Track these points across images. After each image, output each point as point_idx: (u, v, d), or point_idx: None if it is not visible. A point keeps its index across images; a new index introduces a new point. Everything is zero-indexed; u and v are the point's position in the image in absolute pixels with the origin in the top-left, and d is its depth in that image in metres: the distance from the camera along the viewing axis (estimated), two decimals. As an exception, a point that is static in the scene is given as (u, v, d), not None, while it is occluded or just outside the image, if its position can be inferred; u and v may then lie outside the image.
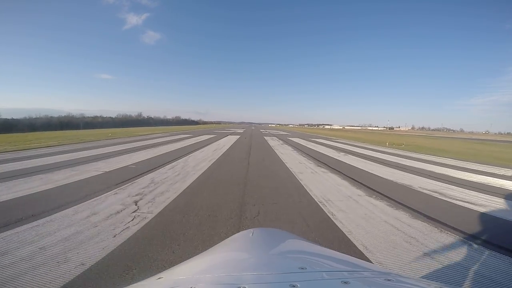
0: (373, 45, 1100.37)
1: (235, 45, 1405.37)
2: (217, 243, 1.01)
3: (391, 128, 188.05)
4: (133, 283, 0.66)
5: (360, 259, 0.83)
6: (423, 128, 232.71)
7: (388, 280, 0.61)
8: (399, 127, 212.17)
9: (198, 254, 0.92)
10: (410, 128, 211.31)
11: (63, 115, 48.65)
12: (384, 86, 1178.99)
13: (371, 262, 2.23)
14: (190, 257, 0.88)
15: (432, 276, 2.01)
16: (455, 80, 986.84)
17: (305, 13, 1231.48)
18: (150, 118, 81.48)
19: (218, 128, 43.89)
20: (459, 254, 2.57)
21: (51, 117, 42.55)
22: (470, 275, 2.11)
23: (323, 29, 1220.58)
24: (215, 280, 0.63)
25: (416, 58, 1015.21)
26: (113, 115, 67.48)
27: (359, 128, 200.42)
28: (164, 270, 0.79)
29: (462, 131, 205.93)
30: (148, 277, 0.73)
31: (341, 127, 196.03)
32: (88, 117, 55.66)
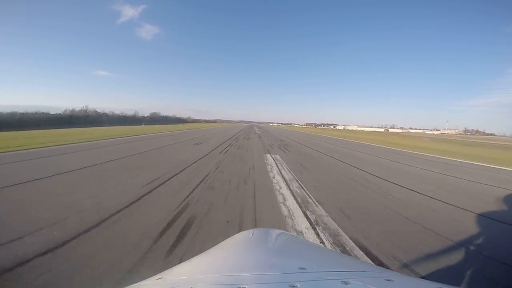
0: (382, 40, 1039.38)
1: (237, 34, 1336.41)
2: (218, 243, 1.02)
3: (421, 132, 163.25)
4: (133, 283, 0.66)
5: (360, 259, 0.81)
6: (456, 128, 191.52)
7: (388, 280, 0.60)
8: (441, 130, 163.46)
9: (198, 254, 0.93)
10: (461, 132, 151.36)
11: None
12: (402, 82, 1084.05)
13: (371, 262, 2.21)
14: (190, 257, 0.90)
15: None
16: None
17: (313, 2, 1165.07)
18: (105, 114, 62.55)
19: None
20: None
21: None
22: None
23: (336, 18, 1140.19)
24: (215, 280, 0.63)
25: (435, 53, 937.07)
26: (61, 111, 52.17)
27: (401, 131, 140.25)
28: (165, 269, 0.79)
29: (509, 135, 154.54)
30: (148, 277, 0.74)
31: (385, 129, 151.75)
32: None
